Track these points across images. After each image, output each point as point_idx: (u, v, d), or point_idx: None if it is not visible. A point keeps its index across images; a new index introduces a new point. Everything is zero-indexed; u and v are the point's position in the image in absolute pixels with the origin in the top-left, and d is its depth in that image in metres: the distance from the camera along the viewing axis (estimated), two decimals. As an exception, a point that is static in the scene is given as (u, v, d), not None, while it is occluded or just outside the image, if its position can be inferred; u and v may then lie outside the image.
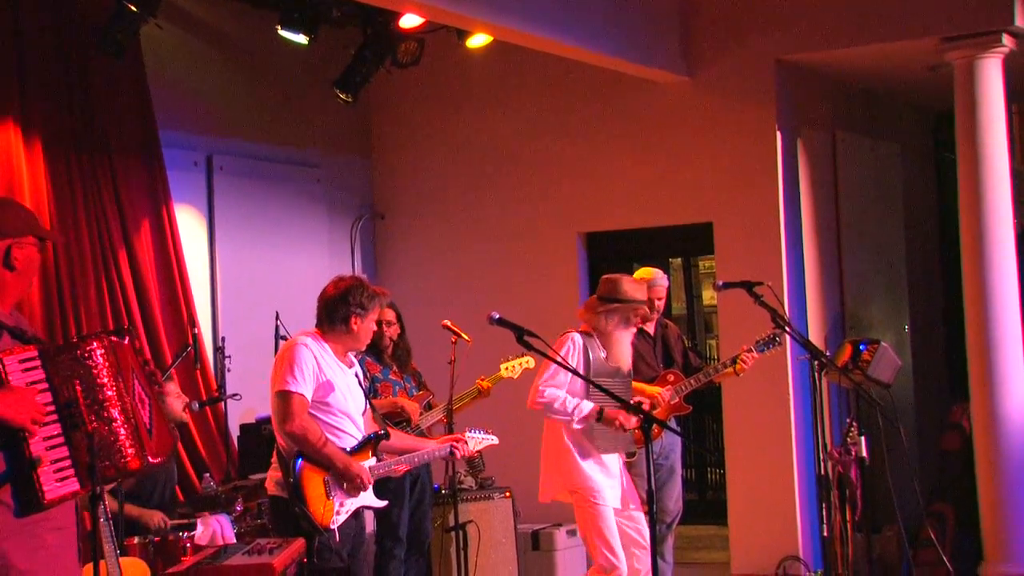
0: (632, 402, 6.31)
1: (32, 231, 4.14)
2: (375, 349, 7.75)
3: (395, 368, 7.91)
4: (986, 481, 8.82)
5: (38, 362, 3.96)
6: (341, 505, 5.82)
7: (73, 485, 3.94)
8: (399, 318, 7.98)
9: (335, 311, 5.90)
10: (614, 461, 6.98)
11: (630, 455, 7.29)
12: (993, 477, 8.79)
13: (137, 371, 4.18)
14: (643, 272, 7.96)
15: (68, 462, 3.93)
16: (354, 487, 5.81)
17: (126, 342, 4.17)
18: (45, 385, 3.94)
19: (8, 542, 3.90)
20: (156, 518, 7.02)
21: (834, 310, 9.99)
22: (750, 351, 7.67)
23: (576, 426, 6.84)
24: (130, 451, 4.01)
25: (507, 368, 7.67)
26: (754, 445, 9.40)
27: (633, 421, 6.79)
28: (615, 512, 6.88)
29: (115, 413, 4.01)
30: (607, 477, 6.89)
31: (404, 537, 7.80)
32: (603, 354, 6.92)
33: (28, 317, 4.49)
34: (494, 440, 6.61)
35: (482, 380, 7.75)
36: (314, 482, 5.74)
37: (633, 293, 6.99)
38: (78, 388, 3.97)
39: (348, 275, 6.20)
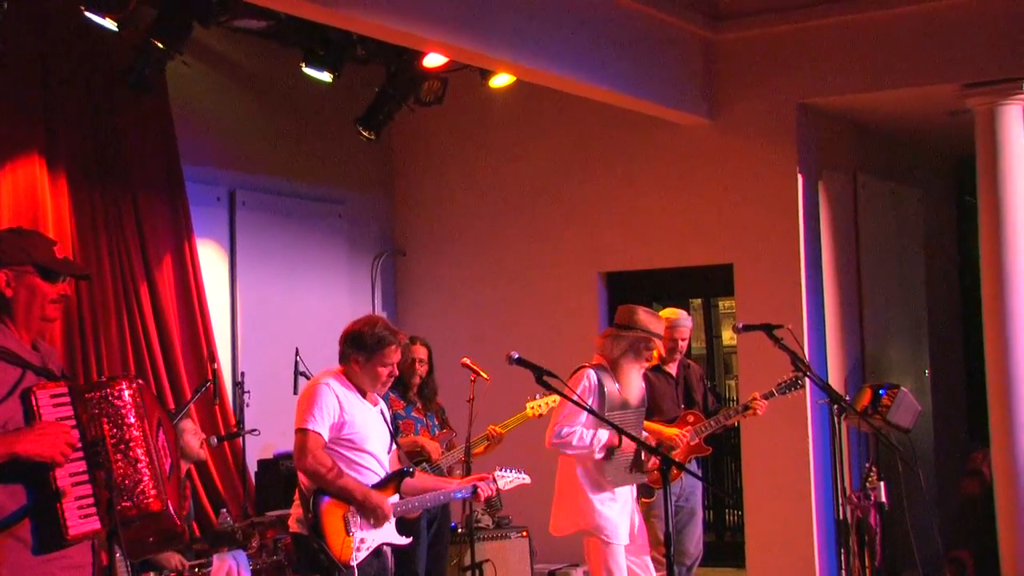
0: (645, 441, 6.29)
1: (31, 260, 4.07)
2: (401, 385, 7.76)
3: (418, 405, 7.91)
4: (1006, 527, 8.77)
5: (68, 399, 3.96)
6: (362, 542, 5.79)
7: (95, 523, 3.91)
8: (430, 356, 7.98)
9: (344, 350, 5.94)
10: (627, 493, 6.93)
11: (648, 495, 7.25)
12: (1013, 523, 8.74)
13: (165, 422, 4.21)
14: (667, 312, 7.95)
15: (91, 500, 3.91)
16: (375, 518, 5.79)
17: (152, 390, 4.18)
18: (73, 422, 3.93)
19: None
20: (174, 560, 7.00)
21: (854, 354, 9.96)
22: (767, 396, 7.66)
23: (598, 455, 6.79)
24: (152, 492, 3.99)
25: (533, 407, 7.65)
26: (773, 488, 9.36)
27: (652, 460, 6.76)
28: (626, 548, 6.83)
29: (140, 454, 4.00)
30: (620, 513, 6.84)
31: (422, 575, 7.77)
32: (616, 387, 6.89)
33: (50, 351, 4.47)
34: (526, 479, 6.53)
35: (494, 427, 7.73)
36: (334, 518, 5.73)
37: (647, 323, 6.91)
38: (105, 427, 3.97)
39: (366, 315, 6.20)
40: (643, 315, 6.94)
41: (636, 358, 6.92)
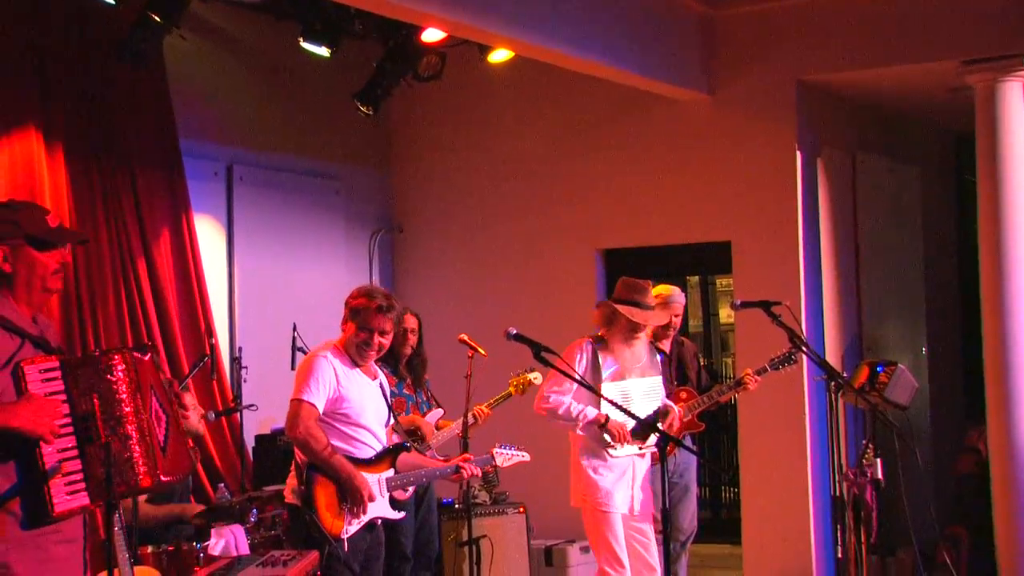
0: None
1: (22, 233, 4.05)
2: (392, 359, 7.75)
3: (409, 381, 7.90)
4: (1002, 504, 8.79)
5: (59, 373, 3.93)
6: (354, 515, 5.80)
7: (83, 499, 3.90)
8: (420, 327, 7.97)
9: (344, 314, 5.95)
10: (627, 464, 6.94)
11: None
12: (1009, 500, 8.76)
13: (157, 388, 4.17)
14: (660, 289, 7.95)
15: (80, 475, 3.89)
16: (355, 500, 5.78)
17: (147, 358, 4.15)
18: (63, 397, 3.91)
19: (14, 554, 3.88)
20: (191, 511, 6.98)
21: (851, 331, 9.97)
22: (759, 372, 7.66)
23: (579, 432, 6.83)
24: (142, 469, 3.98)
25: (516, 384, 7.67)
26: (769, 465, 9.38)
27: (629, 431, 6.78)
28: (624, 519, 6.85)
29: (131, 430, 3.97)
30: (616, 481, 6.86)
31: (411, 555, 7.78)
32: (610, 358, 6.90)
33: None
34: (525, 457, 6.56)
35: (479, 406, 7.71)
36: (326, 490, 5.73)
37: (618, 293, 6.92)
38: (96, 402, 3.94)
39: (367, 285, 6.24)
40: (619, 286, 6.98)
41: (620, 331, 6.92)
